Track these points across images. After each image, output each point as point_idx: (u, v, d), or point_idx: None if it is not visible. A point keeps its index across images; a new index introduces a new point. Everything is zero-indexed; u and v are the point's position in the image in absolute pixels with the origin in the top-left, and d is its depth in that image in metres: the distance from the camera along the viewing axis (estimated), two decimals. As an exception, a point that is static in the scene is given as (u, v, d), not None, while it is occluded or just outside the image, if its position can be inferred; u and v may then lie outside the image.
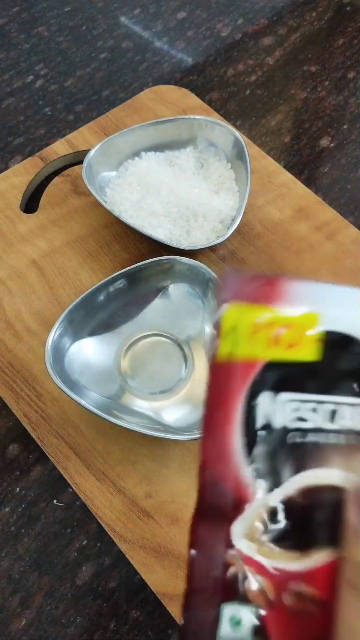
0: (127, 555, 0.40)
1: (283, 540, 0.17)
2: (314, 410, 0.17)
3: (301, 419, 0.17)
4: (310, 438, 0.17)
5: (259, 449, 0.17)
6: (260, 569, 0.17)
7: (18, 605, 0.40)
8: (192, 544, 0.17)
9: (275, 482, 0.17)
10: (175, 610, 0.39)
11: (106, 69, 0.67)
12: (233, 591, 0.17)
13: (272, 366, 0.17)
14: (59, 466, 0.43)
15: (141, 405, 0.44)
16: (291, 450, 0.17)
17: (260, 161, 0.58)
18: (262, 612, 0.17)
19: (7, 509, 0.43)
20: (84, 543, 0.42)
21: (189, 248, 0.48)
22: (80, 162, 0.54)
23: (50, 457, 0.43)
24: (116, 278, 0.46)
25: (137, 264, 0.46)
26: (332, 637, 0.17)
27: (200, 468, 0.17)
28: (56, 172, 0.57)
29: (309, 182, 0.59)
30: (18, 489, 0.44)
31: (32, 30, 0.70)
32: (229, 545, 0.17)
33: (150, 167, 0.54)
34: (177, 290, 0.48)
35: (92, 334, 0.46)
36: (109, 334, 0.46)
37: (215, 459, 0.17)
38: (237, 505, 0.17)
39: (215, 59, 0.68)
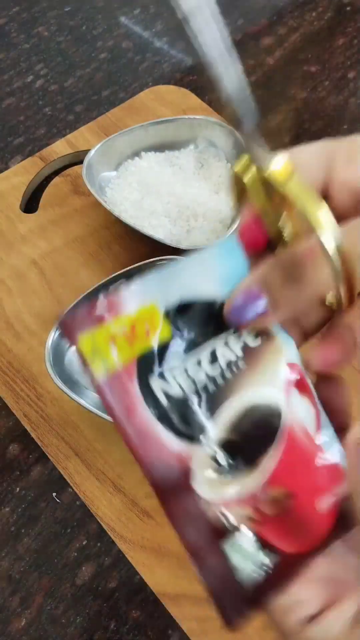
0: (127, 555, 0.40)
1: (234, 468, 0.19)
2: (197, 364, 0.20)
3: (192, 378, 0.20)
4: (210, 386, 0.20)
5: (175, 419, 0.19)
6: (232, 502, 0.19)
7: (18, 605, 0.40)
8: (172, 519, 0.19)
9: (204, 434, 0.19)
10: (175, 610, 0.39)
11: (106, 69, 0.67)
12: (223, 530, 0.19)
13: (143, 357, 0.20)
14: (59, 466, 0.43)
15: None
16: (201, 401, 0.20)
17: (260, 161, 0.58)
18: (255, 530, 0.19)
19: (7, 509, 0.43)
20: (84, 543, 0.42)
21: (189, 248, 0.48)
22: (80, 162, 0.54)
23: (50, 457, 0.43)
24: (116, 278, 0.46)
25: (137, 264, 0.46)
26: (312, 513, 0.20)
27: (142, 467, 0.19)
28: (56, 172, 0.57)
29: (309, 182, 0.59)
30: (18, 489, 0.44)
31: (32, 30, 0.70)
32: (197, 498, 0.19)
33: (150, 167, 0.54)
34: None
35: (92, 334, 0.46)
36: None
37: (149, 452, 0.19)
38: (184, 468, 0.19)
39: (215, 59, 0.68)
